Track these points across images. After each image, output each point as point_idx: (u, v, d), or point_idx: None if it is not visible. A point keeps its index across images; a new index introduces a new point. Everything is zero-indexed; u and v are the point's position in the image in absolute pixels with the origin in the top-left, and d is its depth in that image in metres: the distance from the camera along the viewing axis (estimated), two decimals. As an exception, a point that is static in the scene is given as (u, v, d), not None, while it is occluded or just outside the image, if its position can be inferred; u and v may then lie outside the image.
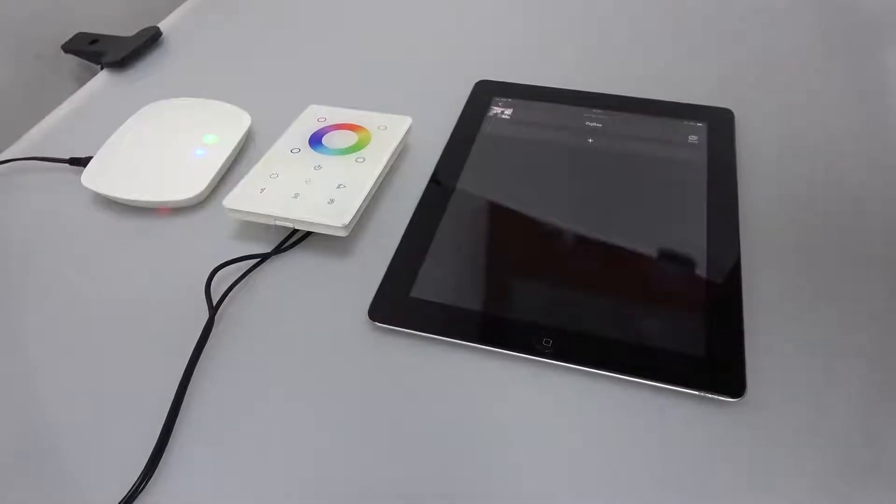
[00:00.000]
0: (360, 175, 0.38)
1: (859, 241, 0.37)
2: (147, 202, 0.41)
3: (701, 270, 0.35)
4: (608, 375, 0.31)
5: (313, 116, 0.44)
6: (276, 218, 0.36)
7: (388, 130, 0.42)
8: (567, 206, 0.39)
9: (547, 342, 0.32)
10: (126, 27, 0.56)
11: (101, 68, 0.54)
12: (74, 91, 0.52)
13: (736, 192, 0.38)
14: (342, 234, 0.36)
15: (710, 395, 0.30)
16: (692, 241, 0.36)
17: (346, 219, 0.35)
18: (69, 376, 0.33)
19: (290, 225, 0.37)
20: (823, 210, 0.39)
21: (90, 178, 0.42)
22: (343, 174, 0.39)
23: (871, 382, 0.31)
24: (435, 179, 0.41)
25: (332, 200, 0.37)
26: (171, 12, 0.60)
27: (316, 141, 0.41)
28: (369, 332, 0.34)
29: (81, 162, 0.44)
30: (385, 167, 0.40)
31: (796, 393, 0.30)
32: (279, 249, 0.38)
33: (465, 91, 0.48)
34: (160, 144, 0.44)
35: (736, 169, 0.40)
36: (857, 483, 0.28)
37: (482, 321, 0.33)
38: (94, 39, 0.56)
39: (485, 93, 0.47)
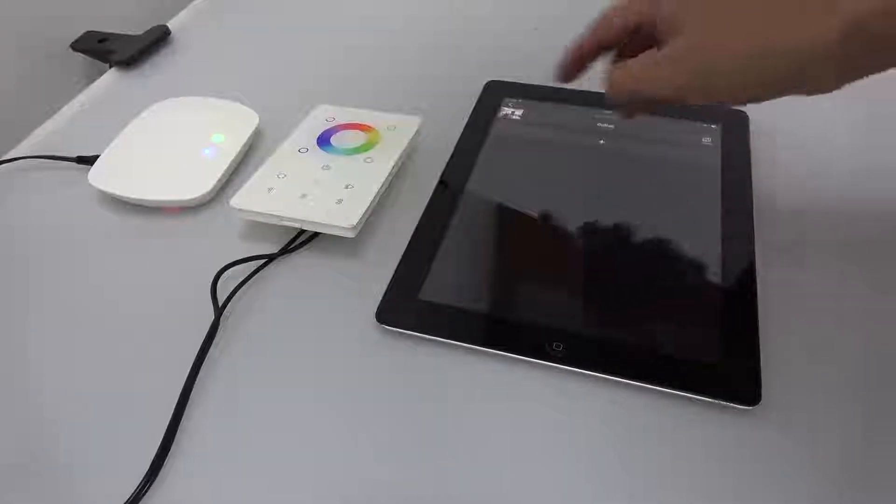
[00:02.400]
0: (369, 176, 0.38)
1: (878, 245, 0.36)
2: (154, 201, 0.40)
3: (715, 275, 0.34)
4: (620, 381, 0.30)
5: (322, 116, 0.43)
6: (283, 218, 0.36)
7: (397, 131, 0.42)
8: (578, 209, 0.38)
9: (557, 346, 0.31)
10: (135, 26, 0.56)
11: (110, 67, 0.54)
12: (83, 89, 0.52)
13: (751, 196, 0.38)
14: (350, 234, 0.35)
15: (724, 403, 0.29)
16: (706, 245, 0.35)
17: (354, 220, 0.35)
18: (72, 376, 0.33)
19: (298, 225, 0.36)
20: (840, 214, 0.38)
21: (97, 176, 0.41)
22: (351, 174, 0.38)
23: (888, 390, 0.30)
24: (444, 181, 0.40)
25: (340, 201, 0.36)
26: (179, 11, 0.60)
27: (324, 141, 0.41)
28: (377, 335, 0.33)
29: (89, 160, 0.44)
30: (394, 168, 0.39)
31: (811, 401, 0.30)
32: (286, 250, 0.37)
33: (475, 91, 0.47)
34: (167, 143, 0.43)
35: (751, 172, 0.39)
36: (873, 492, 0.27)
37: (491, 325, 0.33)
38: (103, 38, 0.56)
39: (495, 93, 0.47)
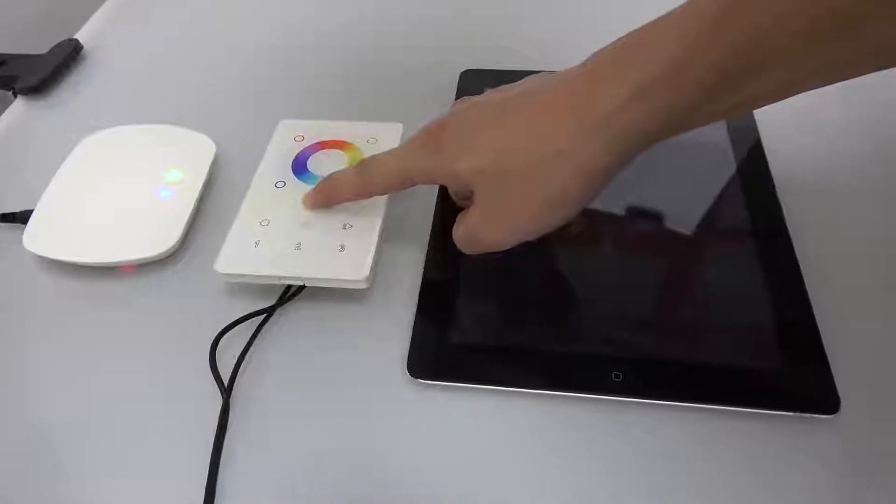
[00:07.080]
0: (365, 208, 0.33)
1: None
2: (110, 263, 0.34)
3: (759, 277, 0.31)
4: (689, 406, 0.28)
5: (289, 135, 0.38)
6: (282, 278, 0.31)
7: (378, 143, 0.37)
8: (603, 212, 0.35)
9: (617, 376, 0.28)
10: (37, 42, 0.48)
11: (15, 96, 0.46)
12: (-14, 127, 0.45)
13: (771, 179, 0.35)
14: (362, 286, 0.31)
15: (804, 415, 0.27)
16: (739, 238, 0.33)
17: (366, 270, 0.30)
18: (83, 482, 0.28)
19: (301, 283, 0.31)
20: (867, 190, 0.36)
21: (33, 238, 0.35)
22: (344, 209, 0.33)
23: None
24: (445, 190, 0.36)
25: (342, 248, 0.31)
26: (87, 20, 0.52)
27: (300, 168, 0.36)
28: (410, 388, 0.29)
29: (16, 217, 0.37)
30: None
31: (889, 398, 0.28)
32: (284, 300, 0.32)
33: (451, 83, 0.43)
34: (113, 187, 0.37)
35: (765, 154, 0.37)
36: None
37: (540, 362, 0.29)
38: (1, 61, 0.48)
39: (473, 83, 0.43)
